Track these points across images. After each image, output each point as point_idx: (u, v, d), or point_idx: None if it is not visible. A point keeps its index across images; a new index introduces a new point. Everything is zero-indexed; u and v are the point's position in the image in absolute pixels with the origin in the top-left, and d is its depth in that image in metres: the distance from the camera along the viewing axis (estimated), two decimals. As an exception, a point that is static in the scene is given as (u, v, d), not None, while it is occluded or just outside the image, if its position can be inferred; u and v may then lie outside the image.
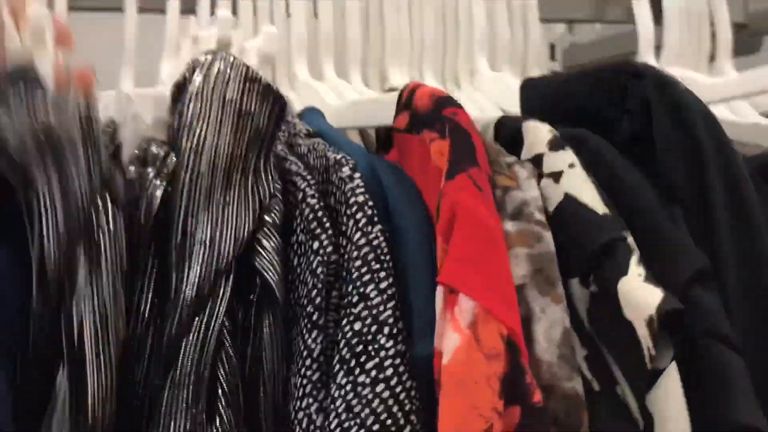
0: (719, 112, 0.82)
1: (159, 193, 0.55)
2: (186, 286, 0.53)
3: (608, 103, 0.63)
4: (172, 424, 0.52)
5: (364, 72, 0.81)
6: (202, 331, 0.53)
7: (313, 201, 0.56)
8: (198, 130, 0.55)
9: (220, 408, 0.53)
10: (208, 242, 0.54)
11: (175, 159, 0.55)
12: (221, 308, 0.53)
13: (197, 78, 0.56)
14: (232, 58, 0.56)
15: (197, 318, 0.53)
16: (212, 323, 0.53)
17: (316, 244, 0.54)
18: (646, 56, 0.85)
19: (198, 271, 0.53)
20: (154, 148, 0.57)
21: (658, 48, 0.88)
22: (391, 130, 0.64)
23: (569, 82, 0.71)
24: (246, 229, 0.55)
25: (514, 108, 0.74)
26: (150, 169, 0.55)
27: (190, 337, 0.53)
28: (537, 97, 0.71)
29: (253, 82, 0.56)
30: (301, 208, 0.56)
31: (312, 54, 0.80)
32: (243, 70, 0.56)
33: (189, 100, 0.55)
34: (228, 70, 0.55)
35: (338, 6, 0.81)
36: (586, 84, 0.66)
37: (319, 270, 0.54)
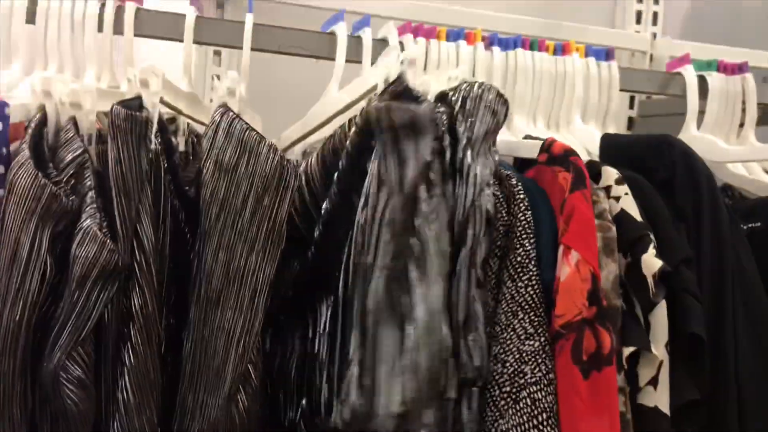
0: (736, 167, 1.24)
1: None
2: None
3: (653, 158, 1.05)
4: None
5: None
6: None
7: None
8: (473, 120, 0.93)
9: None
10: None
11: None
12: None
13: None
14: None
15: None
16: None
17: (521, 218, 0.95)
18: (691, 124, 1.26)
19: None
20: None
21: (702, 113, 1.28)
22: (524, 160, 1.07)
23: (631, 140, 1.14)
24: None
25: (594, 150, 1.15)
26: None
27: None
28: (610, 146, 1.13)
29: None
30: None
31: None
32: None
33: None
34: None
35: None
36: (641, 144, 1.09)
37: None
